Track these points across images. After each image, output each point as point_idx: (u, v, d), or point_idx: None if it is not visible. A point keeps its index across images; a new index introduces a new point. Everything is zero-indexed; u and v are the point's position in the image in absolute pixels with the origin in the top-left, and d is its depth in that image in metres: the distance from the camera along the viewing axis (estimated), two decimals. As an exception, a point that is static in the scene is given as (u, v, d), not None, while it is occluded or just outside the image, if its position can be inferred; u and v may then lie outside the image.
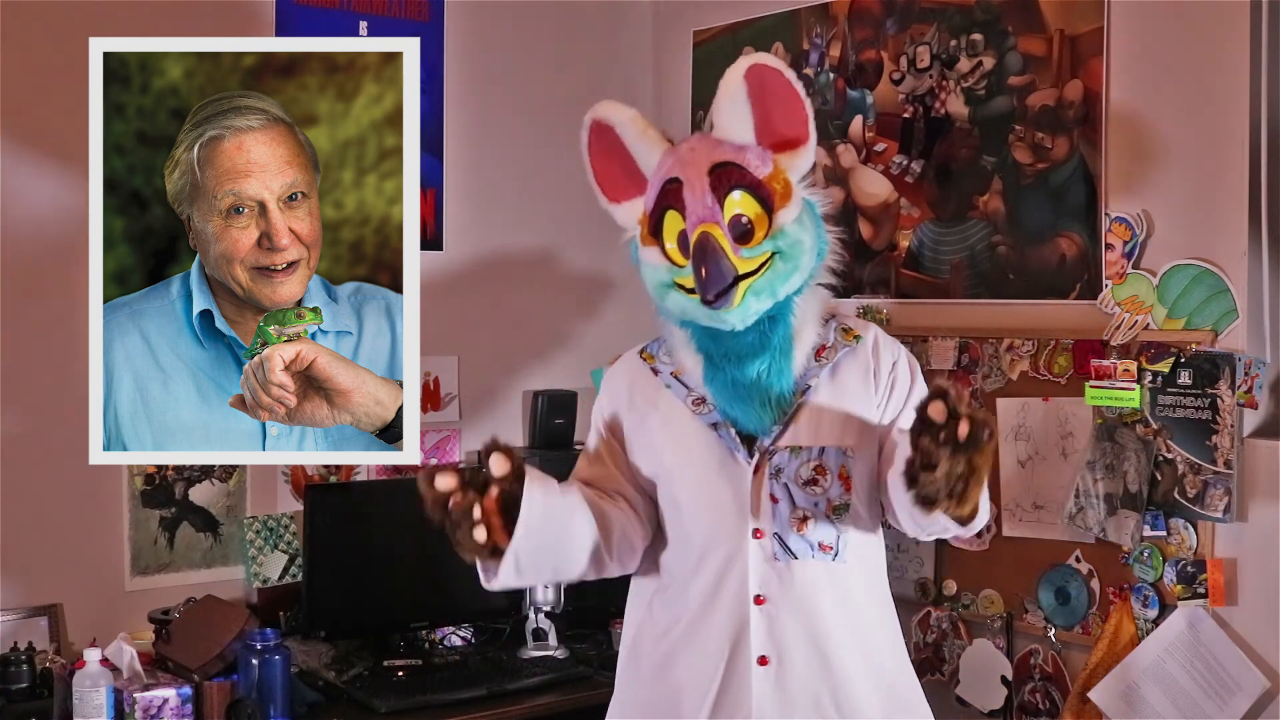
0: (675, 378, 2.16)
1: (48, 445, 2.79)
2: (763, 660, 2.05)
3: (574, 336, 3.47)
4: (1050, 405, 2.69)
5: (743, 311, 2.03)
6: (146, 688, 2.53)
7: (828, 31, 3.16)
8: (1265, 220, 2.47)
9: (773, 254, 2.04)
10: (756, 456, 2.08)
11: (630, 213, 2.18)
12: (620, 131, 2.15)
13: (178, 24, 2.86)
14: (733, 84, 2.07)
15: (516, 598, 3.09)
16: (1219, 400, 2.44)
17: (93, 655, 2.45)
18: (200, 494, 2.98)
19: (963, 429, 1.71)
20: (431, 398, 3.29)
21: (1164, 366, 2.51)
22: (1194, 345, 2.48)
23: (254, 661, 2.57)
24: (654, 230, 2.10)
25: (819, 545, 2.07)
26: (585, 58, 3.55)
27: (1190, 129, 2.51)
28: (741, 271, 2.02)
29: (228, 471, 3.01)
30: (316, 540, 2.93)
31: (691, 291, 2.04)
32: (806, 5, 3.20)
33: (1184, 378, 2.49)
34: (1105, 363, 2.57)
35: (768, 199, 2.05)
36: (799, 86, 2.06)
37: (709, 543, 2.09)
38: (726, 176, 2.04)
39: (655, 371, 2.19)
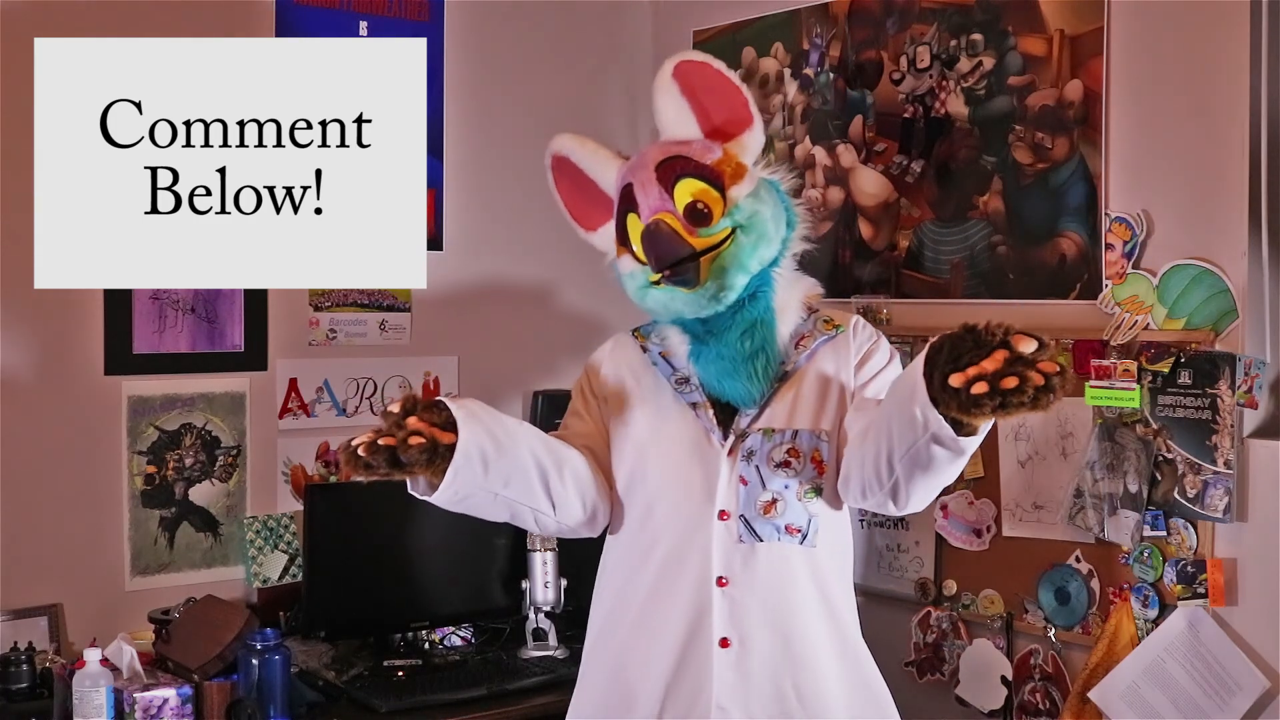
0: (663, 357, 2.20)
1: (49, 444, 2.79)
2: (724, 642, 2.07)
3: (574, 336, 3.46)
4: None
5: (717, 286, 2.06)
6: (146, 688, 2.53)
7: (828, 31, 3.16)
8: (1265, 220, 2.47)
9: (733, 229, 2.07)
10: (731, 439, 2.10)
11: (606, 236, 2.23)
12: (575, 159, 2.24)
13: (178, 24, 2.86)
14: (664, 85, 2.13)
15: (517, 598, 3.10)
16: (1219, 400, 2.44)
17: (93, 655, 2.45)
18: (200, 494, 2.98)
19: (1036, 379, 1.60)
20: (431, 398, 3.29)
21: (1164, 366, 2.51)
22: (1194, 345, 2.48)
23: (254, 661, 2.57)
24: (622, 239, 2.15)
25: (786, 528, 2.08)
26: (585, 58, 3.55)
27: (1190, 129, 2.51)
28: (700, 249, 2.05)
29: (228, 471, 3.02)
30: (316, 540, 2.93)
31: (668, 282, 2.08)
32: (806, 5, 3.20)
33: (1184, 378, 2.49)
34: (1105, 363, 2.57)
35: (718, 180, 2.09)
36: (731, 74, 2.12)
37: (671, 521, 2.11)
38: (672, 167, 2.09)
39: (644, 349, 2.24)
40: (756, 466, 2.08)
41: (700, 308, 2.08)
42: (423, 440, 1.86)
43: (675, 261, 2.04)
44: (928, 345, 1.73)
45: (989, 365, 1.63)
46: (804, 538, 2.09)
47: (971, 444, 1.79)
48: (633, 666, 2.13)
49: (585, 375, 2.29)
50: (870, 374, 2.15)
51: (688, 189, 2.08)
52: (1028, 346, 1.63)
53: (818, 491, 2.10)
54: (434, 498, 1.96)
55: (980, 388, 1.61)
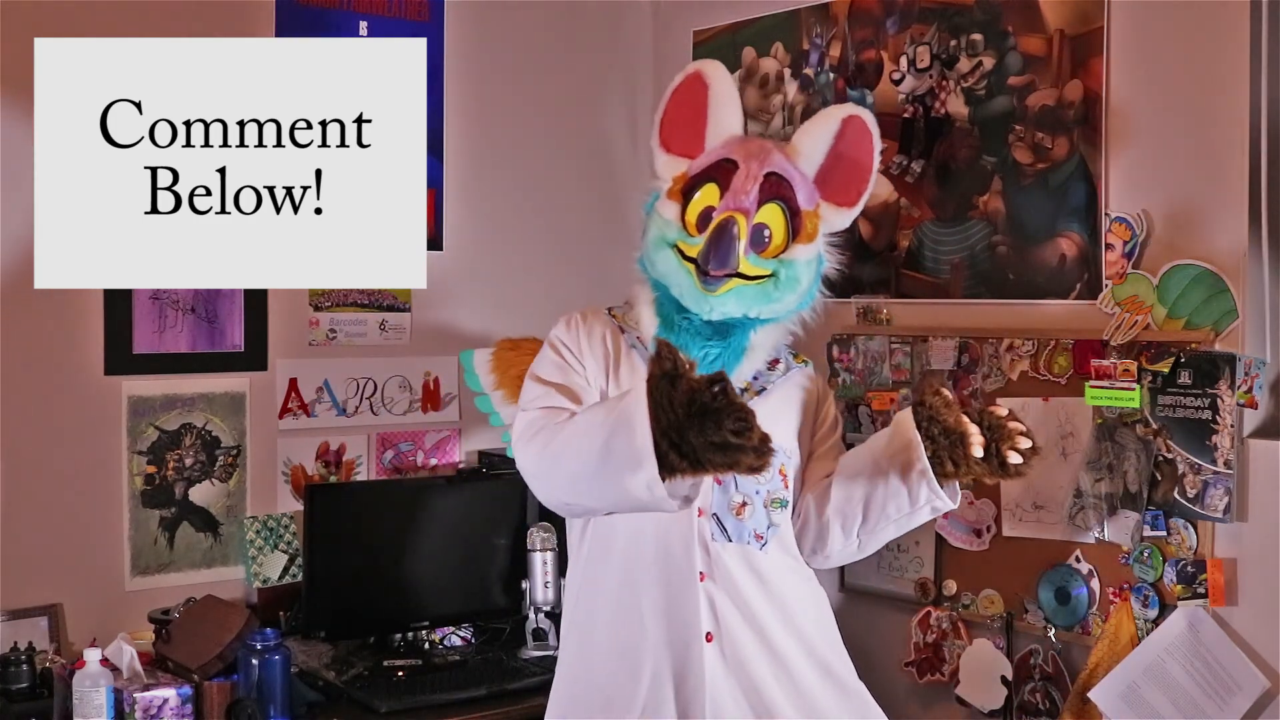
0: (640, 342, 2.21)
1: (49, 445, 2.79)
2: (709, 636, 2.10)
3: (574, 336, 3.47)
4: (1050, 405, 2.69)
5: (719, 304, 2.09)
6: (146, 688, 2.53)
7: (828, 31, 3.16)
8: (1265, 220, 2.47)
9: (771, 274, 2.11)
10: None
11: (670, 166, 2.21)
12: (711, 91, 2.19)
13: (178, 24, 2.86)
14: (829, 120, 2.18)
15: (517, 598, 3.10)
16: (1219, 400, 2.44)
17: (93, 655, 2.45)
18: (200, 494, 2.98)
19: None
20: (431, 398, 3.30)
21: (1164, 366, 2.51)
22: (1194, 345, 2.48)
23: (254, 661, 2.57)
24: (686, 190, 2.14)
25: (753, 533, 2.14)
26: (585, 58, 3.55)
27: (1190, 129, 2.51)
28: (741, 270, 2.07)
29: (228, 471, 3.02)
30: (316, 540, 2.93)
31: (687, 260, 2.09)
32: (806, 5, 3.20)
33: (1184, 378, 2.49)
34: (1105, 363, 2.57)
35: (796, 229, 2.13)
36: (878, 159, 2.19)
37: (653, 517, 2.08)
38: (777, 186, 2.11)
39: (622, 330, 2.24)
40: None
41: (692, 300, 2.10)
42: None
43: (721, 272, 2.07)
44: (909, 418, 2.05)
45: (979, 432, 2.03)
46: (764, 544, 2.16)
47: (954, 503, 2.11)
48: (620, 661, 2.14)
49: (565, 346, 2.21)
50: (828, 430, 2.29)
51: (772, 214, 2.11)
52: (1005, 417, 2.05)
53: (783, 503, 2.18)
54: (678, 500, 1.83)
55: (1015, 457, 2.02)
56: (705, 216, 2.10)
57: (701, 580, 2.11)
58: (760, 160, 2.11)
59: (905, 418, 2.05)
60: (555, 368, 2.18)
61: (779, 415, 2.19)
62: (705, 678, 2.09)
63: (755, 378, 2.21)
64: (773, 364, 2.24)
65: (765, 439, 1.69)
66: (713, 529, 2.12)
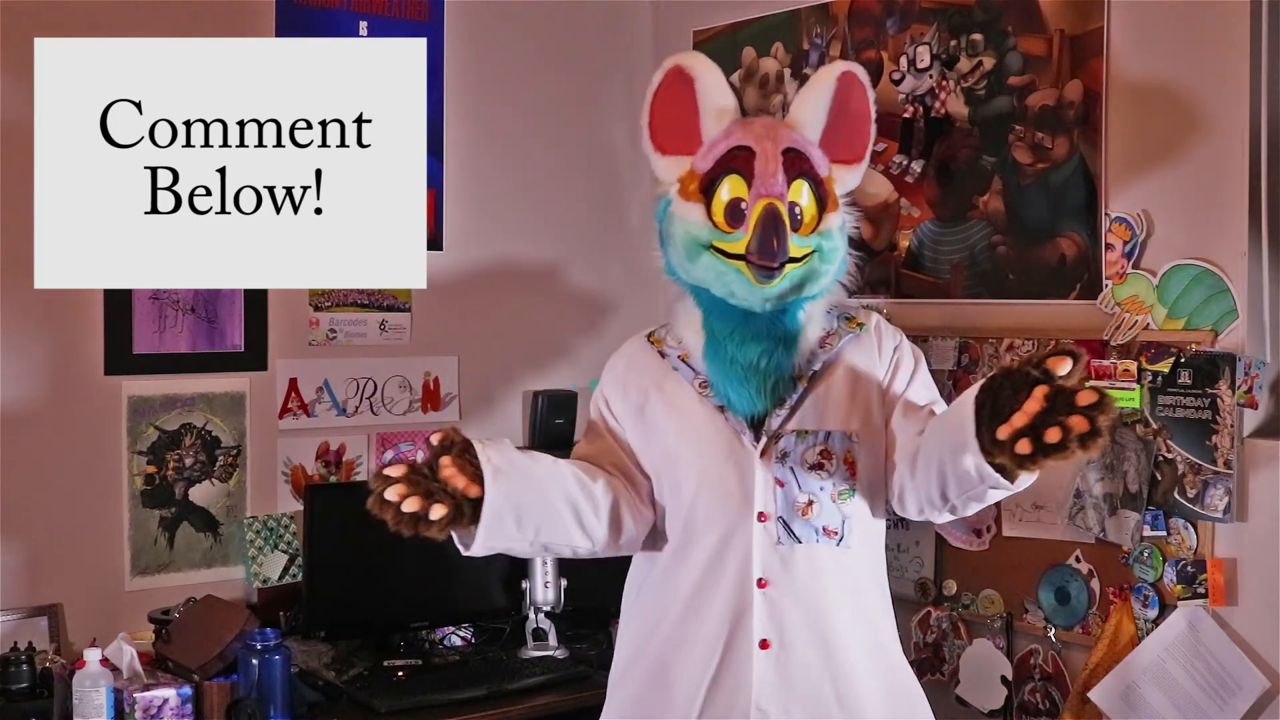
0: (683, 360, 2.17)
1: (49, 444, 2.79)
2: (764, 644, 2.06)
3: (574, 336, 3.47)
4: (1050, 405, 2.69)
5: (775, 292, 2.05)
6: (146, 688, 2.53)
7: (828, 31, 3.16)
8: (1265, 220, 2.47)
9: (814, 250, 2.08)
10: (763, 440, 2.09)
11: (673, 168, 2.15)
12: (697, 85, 2.14)
13: (178, 24, 2.86)
14: (824, 81, 2.16)
15: (517, 598, 3.10)
16: (1219, 400, 2.44)
17: (93, 655, 2.45)
18: (200, 494, 2.98)
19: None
20: (431, 398, 3.30)
21: (1164, 366, 2.51)
22: (1194, 345, 2.48)
23: (254, 661, 2.57)
24: (705, 189, 2.09)
25: (824, 530, 2.08)
26: (585, 58, 3.55)
27: (1190, 129, 2.51)
28: (791, 254, 2.05)
29: (228, 471, 3.02)
30: (316, 540, 2.93)
31: (730, 256, 2.04)
32: (806, 5, 3.20)
33: (1184, 378, 2.49)
34: (1105, 363, 2.58)
35: (823, 199, 2.10)
36: (874, 110, 2.17)
37: (711, 526, 2.09)
38: (798, 162, 2.08)
39: (663, 355, 2.19)
40: (791, 468, 2.07)
41: (746, 295, 2.05)
42: (446, 511, 1.87)
43: (782, 260, 2.02)
44: (975, 391, 1.78)
45: (1032, 406, 1.67)
46: (840, 539, 2.09)
47: (1028, 479, 1.83)
48: (673, 668, 2.11)
49: (603, 397, 2.23)
50: (905, 381, 2.16)
51: (799, 191, 2.07)
52: (1063, 367, 1.67)
53: (850, 493, 2.09)
54: (466, 552, 1.98)
55: (1024, 447, 1.67)
56: (734, 209, 2.05)
57: (761, 587, 2.06)
58: (774, 140, 2.07)
59: (968, 395, 1.82)
60: (591, 433, 2.25)
61: (836, 400, 2.12)
62: (753, 684, 2.05)
63: (808, 360, 2.13)
64: (824, 340, 2.15)
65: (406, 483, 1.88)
66: (779, 533, 2.07)
